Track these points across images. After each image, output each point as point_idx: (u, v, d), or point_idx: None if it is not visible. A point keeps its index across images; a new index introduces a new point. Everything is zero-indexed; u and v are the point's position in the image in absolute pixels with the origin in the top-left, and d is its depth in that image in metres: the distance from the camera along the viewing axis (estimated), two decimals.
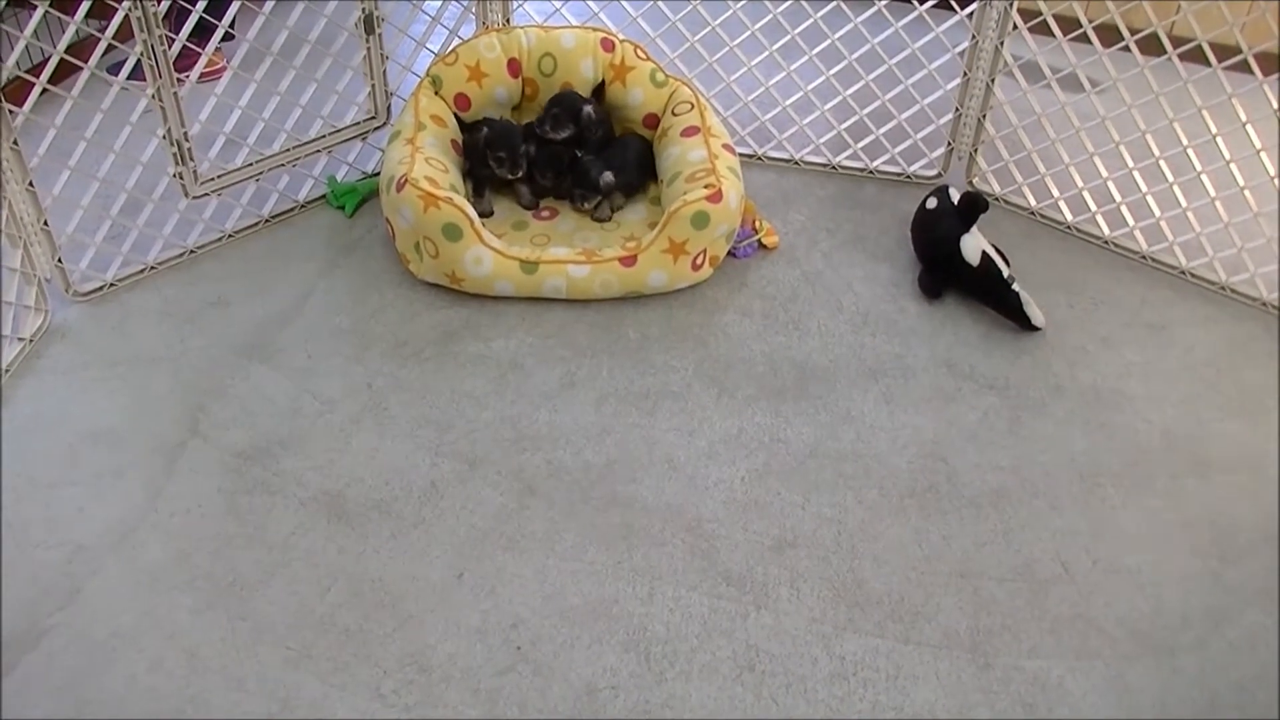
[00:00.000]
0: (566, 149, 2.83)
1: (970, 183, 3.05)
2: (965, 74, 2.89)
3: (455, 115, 2.90)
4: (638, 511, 2.10)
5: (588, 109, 2.81)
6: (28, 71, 2.34)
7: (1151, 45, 2.58)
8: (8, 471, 2.12)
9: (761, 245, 2.83)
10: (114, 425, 2.24)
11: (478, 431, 2.26)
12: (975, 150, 3.00)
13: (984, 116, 2.93)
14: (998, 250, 2.63)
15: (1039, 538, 2.08)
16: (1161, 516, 2.13)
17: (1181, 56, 2.55)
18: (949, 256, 2.61)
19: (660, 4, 3.00)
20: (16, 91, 2.38)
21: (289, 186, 2.89)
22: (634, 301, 2.63)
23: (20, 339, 2.39)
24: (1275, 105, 2.49)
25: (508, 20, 3.09)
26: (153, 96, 2.46)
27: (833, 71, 2.97)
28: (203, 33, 2.61)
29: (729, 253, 2.75)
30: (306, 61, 2.75)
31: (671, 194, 2.66)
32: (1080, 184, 2.85)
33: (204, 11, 2.52)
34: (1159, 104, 2.63)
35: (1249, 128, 2.54)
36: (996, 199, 3.00)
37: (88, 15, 2.34)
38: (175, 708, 1.74)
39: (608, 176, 2.79)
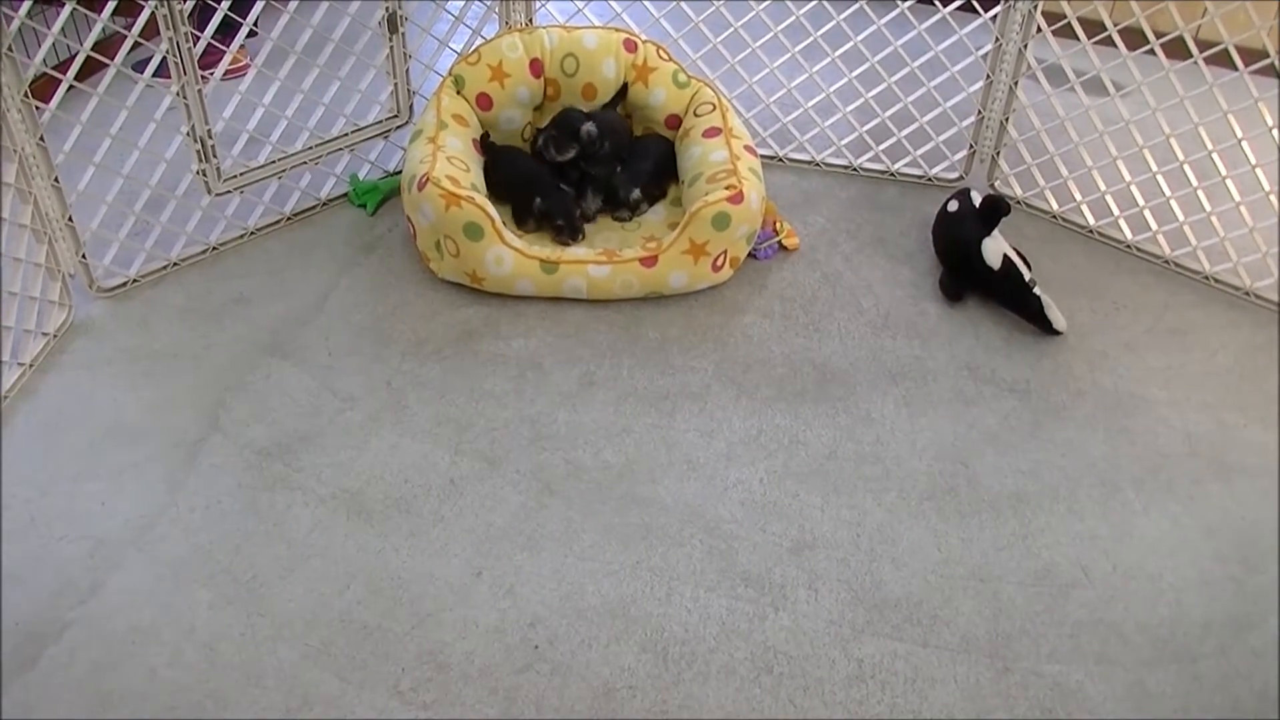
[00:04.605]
0: (577, 165, 2.83)
1: (992, 186, 3.04)
2: (988, 76, 2.88)
3: (482, 136, 2.91)
4: (656, 512, 2.10)
5: (587, 127, 2.77)
6: (54, 68, 2.36)
7: (1177, 48, 2.56)
8: (32, 465, 2.14)
9: (782, 247, 2.83)
10: (136, 420, 2.25)
11: (497, 430, 2.26)
12: (997, 153, 2.99)
13: (1007, 119, 2.92)
14: (1019, 254, 2.62)
15: (1059, 542, 2.07)
16: (1183, 522, 2.12)
17: (1207, 60, 2.53)
18: (970, 259, 2.60)
19: (683, 5, 3.00)
20: (43, 88, 2.39)
21: (311, 184, 2.90)
22: (654, 302, 2.63)
23: (44, 334, 2.41)
24: None
25: (530, 20, 3.09)
26: (177, 94, 2.48)
27: (855, 73, 2.96)
28: (227, 30, 2.62)
29: (750, 254, 2.75)
30: (330, 60, 2.76)
31: (692, 195, 2.66)
32: (1103, 188, 2.83)
33: (228, 9, 2.53)
34: (1184, 107, 2.61)
35: (1275, 132, 2.52)
36: (1018, 202, 2.98)
37: (114, 13, 2.36)
38: (194, 702, 1.75)
39: (637, 193, 2.83)
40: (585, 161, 2.79)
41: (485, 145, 2.90)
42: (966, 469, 2.21)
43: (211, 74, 2.62)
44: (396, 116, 2.98)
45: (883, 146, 3.09)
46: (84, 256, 2.51)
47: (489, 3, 3.03)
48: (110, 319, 2.52)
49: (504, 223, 2.56)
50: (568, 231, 2.71)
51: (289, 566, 1.97)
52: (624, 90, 2.96)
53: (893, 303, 2.66)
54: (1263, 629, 1.92)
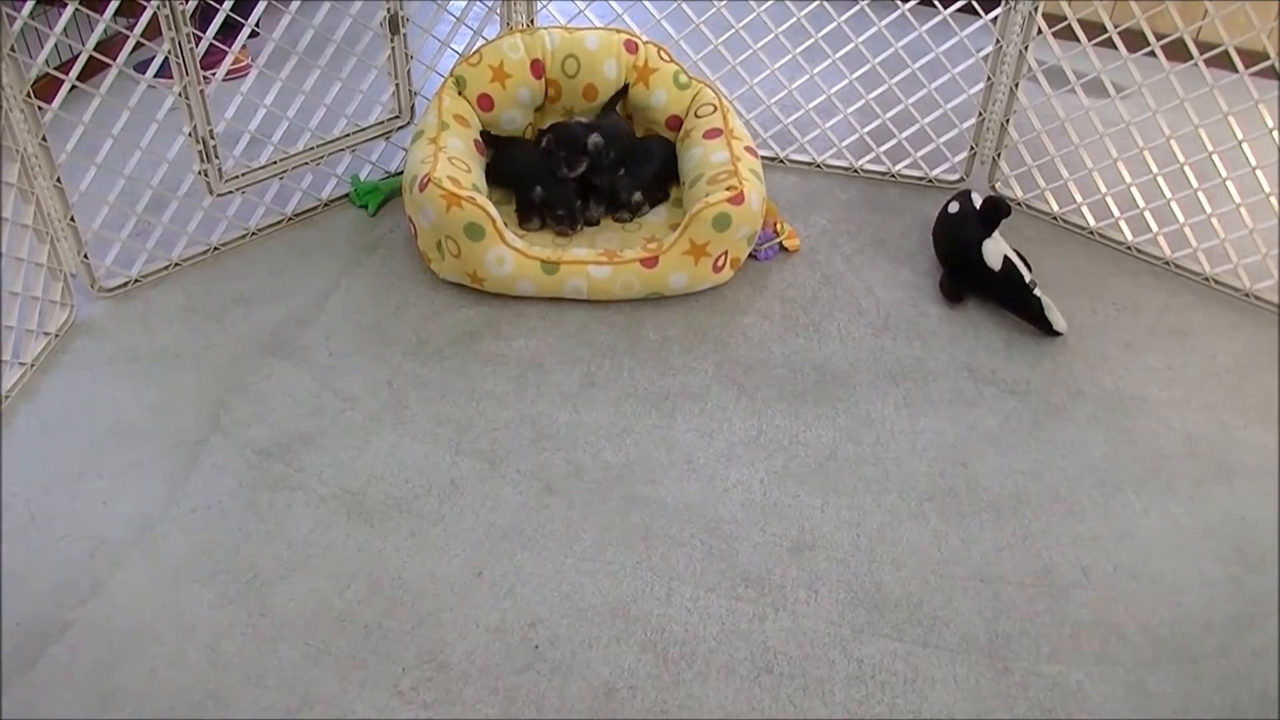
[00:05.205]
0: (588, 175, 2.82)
1: (993, 187, 3.04)
2: (989, 78, 2.88)
3: (482, 133, 2.91)
4: (656, 512, 2.10)
5: (594, 139, 2.75)
6: (57, 68, 2.36)
7: (1177, 50, 2.56)
8: (33, 465, 2.14)
9: (783, 248, 2.83)
10: (137, 420, 2.26)
11: (498, 430, 2.27)
12: (998, 155, 2.99)
13: (1007, 121, 2.92)
14: (1020, 255, 2.63)
15: (1059, 543, 2.07)
16: (1183, 522, 2.12)
17: (1207, 62, 2.54)
18: (970, 261, 2.61)
19: (684, 6, 3.00)
20: (46, 88, 2.40)
21: (312, 185, 2.91)
22: (654, 303, 2.63)
23: (46, 333, 2.42)
24: None
25: (532, 21, 3.10)
26: (179, 94, 2.48)
27: (855, 75, 2.97)
28: (229, 31, 2.63)
29: (750, 255, 2.75)
30: (331, 60, 2.76)
31: (693, 196, 2.67)
32: (1103, 189, 2.83)
33: (230, 10, 2.54)
34: (1184, 109, 2.62)
35: (1275, 134, 2.52)
36: (1019, 204, 2.99)
37: (116, 13, 2.37)
38: (196, 701, 1.75)
39: (638, 196, 2.85)
40: (592, 172, 2.79)
41: (489, 138, 2.91)
42: (967, 470, 2.22)
43: (213, 74, 2.63)
44: (398, 117, 2.99)
45: (883, 148, 3.09)
46: (85, 256, 2.52)
47: (490, 3, 3.03)
48: (111, 319, 2.52)
49: (505, 222, 2.56)
50: (567, 221, 2.73)
51: (290, 566, 1.97)
52: (624, 91, 2.96)
53: (893, 304, 2.66)
54: (1263, 629, 1.92)
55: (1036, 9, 2.72)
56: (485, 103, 2.92)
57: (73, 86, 2.38)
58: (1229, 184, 2.64)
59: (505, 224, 2.56)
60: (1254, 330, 2.61)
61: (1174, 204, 2.73)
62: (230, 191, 2.69)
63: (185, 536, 2.02)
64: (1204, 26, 2.58)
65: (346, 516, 2.07)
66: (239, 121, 2.65)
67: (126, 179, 2.52)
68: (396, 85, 2.93)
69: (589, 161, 2.75)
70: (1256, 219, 2.62)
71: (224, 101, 2.67)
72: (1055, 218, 2.96)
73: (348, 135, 2.89)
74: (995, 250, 2.58)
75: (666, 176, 2.93)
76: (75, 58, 2.39)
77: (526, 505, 2.11)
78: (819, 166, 3.18)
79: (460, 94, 2.90)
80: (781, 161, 3.20)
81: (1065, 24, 2.73)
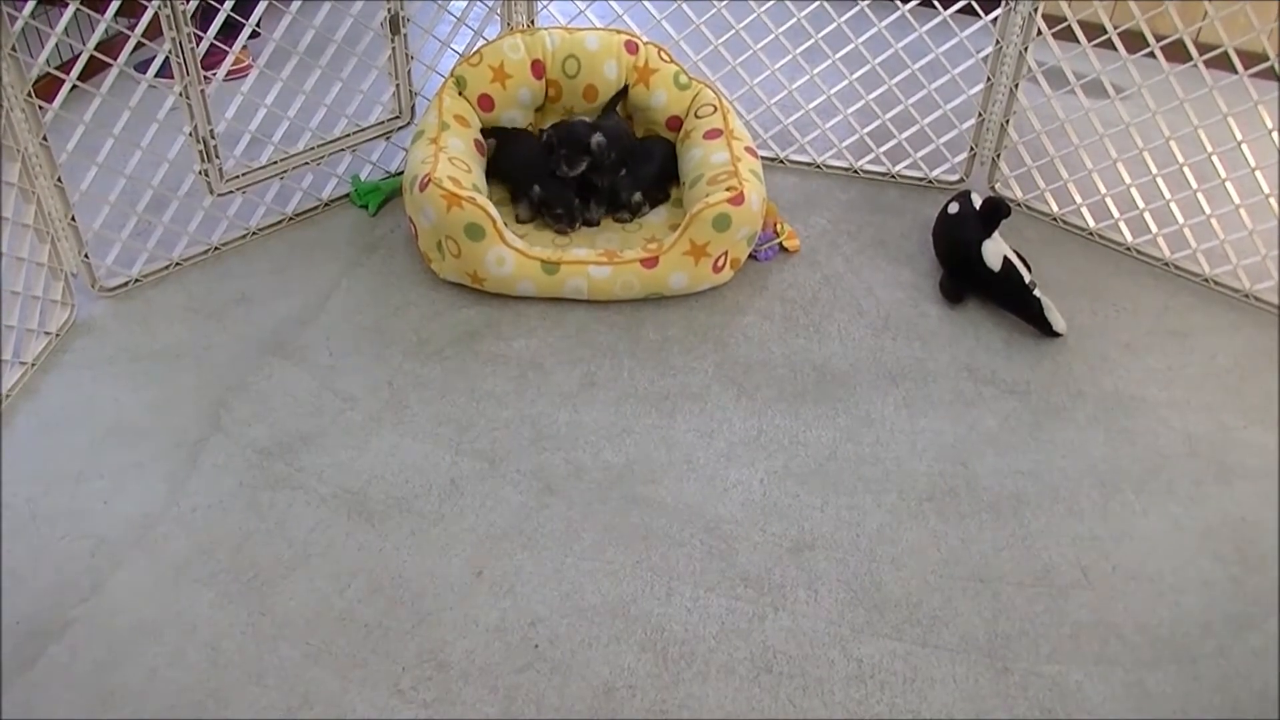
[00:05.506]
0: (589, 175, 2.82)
1: (992, 188, 3.04)
2: (989, 79, 2.88)
3: (483, 129, 2.91)
4: (656, 512, 2.10)
5: (597, 139, 2.74)
6: (57, 68, 2.36)
7: (1177, 51, 2.56)
8: (33, 464, 2.14)
9: (783, 248, 2.83)
10: (137, 419, 2.26)
11: (498, 430, 2.27)
12: (998, 155, 3.00)
13: (1007, 122, 2.92)
14: (1019, 256, 2.63)
15: (1059, 543, 2.07)
16: (1183, 523, 2.12)
17: (1207, 63, 2.54)
18: (970, 261, 2.61)
19: (684, 6, 3.01)
20: (46, 88, 2.41)
21: (313, 185, 2.91)
22: (654, 303, 2.63)
23: (46, 333, 2.42)
24: None
25: (532, 21, 3.10)
26: (180, 94, 2.48)
27: (855, 75, 2.97)
28: (230, 31, 2.63)
29: (750, 255, 2.75)
30: (332, 61, 2.77)
31: (693, 196, 2.67)
32: (1103, 190, 2.84)
33: (231, 10, 2.54)
34: (1184, 110, 2.62)
35: (1275, 135, 2.53)
36: (1019, 204, 2.99)
37: (117, 13, 2.37)
38: (196, 701, 1.75)
39: (638, 196, 2.85)
40: (593, 172, 2.79)
41: (493, 130, 2.91)
42: (966, 470, 2.22)
43: (214, 74, 2.63)
44: (398, 117, 2.99)
45: (883, 149, 3.09)
46: (86, 256, 2.52)
47: (491, 4, 3.04)
48: (112, 318, 2.53)
49: (505, 223, 2.56)
50: (566, 220, 2.74)
51: (290, 565, 1.97)
52: (624, 91, 2.96)
53: (893, 304, 2.66)
54: (1263, 629, 1.92)
55: (1036, 10, 2.72)
56: (486, 103, 2.92)
57: (73, 86, 2.38)
58: (1228, 185, 2.64)
59: (505, 224, 2.56)
60: (1254, 330, 2.61)
61: (1173, 205, 2.73)
62: (231, 191, 2.70)
63: (186, 536, 2.02)
64: (1204, 27, 2.58)
65: (347, 516, 2.07)
66: (239, 121, 2.66)
67: (127, 179, 2.52)
68: (397, 85, 2.93)
69: (590, 160, 2.75)
70: (1256, 220, 2.62)
71: (224, 101, 2.67)
72: (1055, 218, 2.96)
73: (348, 135, 2.90)
74: (995, 251, 2.58)
75: (667, 177, 2.93)
76: (76, 57, 2.39)
77: (526, 505, 2.11)
78: (819, 167, 3.18)
79: (461, 94, 2.90)
80: (781, 162, 3.20)
81: (1065, 25, 2.73)
